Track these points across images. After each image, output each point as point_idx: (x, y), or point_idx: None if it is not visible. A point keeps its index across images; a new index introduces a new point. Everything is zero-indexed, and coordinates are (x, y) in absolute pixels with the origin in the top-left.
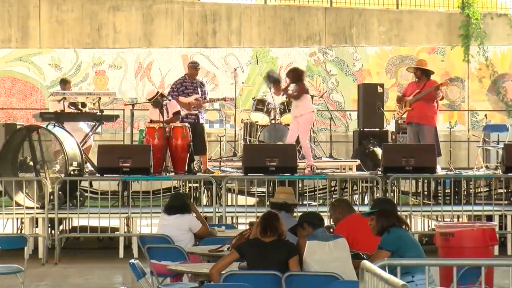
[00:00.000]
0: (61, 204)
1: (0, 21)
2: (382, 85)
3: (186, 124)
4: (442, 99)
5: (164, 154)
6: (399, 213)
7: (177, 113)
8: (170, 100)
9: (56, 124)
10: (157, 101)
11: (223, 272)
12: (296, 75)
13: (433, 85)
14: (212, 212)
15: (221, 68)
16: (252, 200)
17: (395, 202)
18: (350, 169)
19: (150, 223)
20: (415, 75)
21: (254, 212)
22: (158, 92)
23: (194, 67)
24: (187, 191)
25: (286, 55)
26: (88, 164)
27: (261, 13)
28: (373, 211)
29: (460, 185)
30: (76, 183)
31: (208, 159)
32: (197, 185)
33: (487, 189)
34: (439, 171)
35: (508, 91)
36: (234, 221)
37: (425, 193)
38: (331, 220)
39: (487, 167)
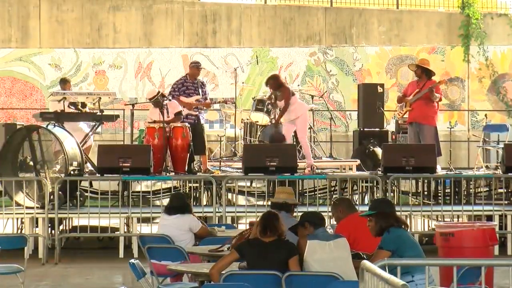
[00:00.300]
0: (61, 204)
1: (0, 21)
2: (382, 85)
3: (186, 124)
4: (440, 100)
5: (164, 154)
6: (398, 213)
7: (178, 113)
8: (170, 100)
9: (56, 124)
10: (157, 101)
11: (223, 272)
12: (276, 82)
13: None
14: (212, 212)
15: (221, 68)
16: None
17: (395, 202)
18: (350, 169)
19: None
20: (415, 73)
21: (254, 212)
22: (158, 92)
23: (196, 67)
24: (187, 191)
25: (286, 55)
26: (88, 164)
27: (261, 13)
28: (371, 213)
29: (460, 185)
30: (76, 183)
31: (208, 159)
32: (197, 185)
33: (487, 189)
34: (439, 171)
35: (508, 91)
36: (234, 221)
37: (425, 193)
38: (333, 219)
39: (487, 167)
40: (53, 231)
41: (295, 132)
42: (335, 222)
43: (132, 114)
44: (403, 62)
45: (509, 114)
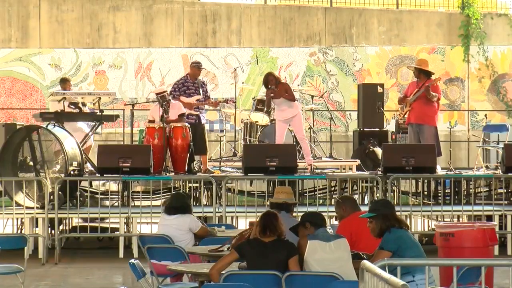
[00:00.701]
0: (61, 204)
1: (0, 21)
2: (382, 85)
3: (186, 124)
4: (439, 99)
5: (164, 154)
6: (398, 213)
7: (182, 115)
8: (170, 99)
9: (56, 124)
10: (163, 97)
11: (223, 272)
12: (276, 77)
13: (434, 85)
14: (212, 212)
15: (221, 68)
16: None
17: (395, 202)
18: (350, 169)
19: (150, 222)
20: (414, 74)
21: (254, 212)
22: (165, 91)
23: (197, 67)
24: (187, 191)
25: (286, 55)
26: (88, 164)
27: (261, 13)
28: (371, 215)
29: (460, 185)
30: (76, 183)
31: (208, 159)
32: (197, 185)
33: (487, 189)
34: (439, 171)
35: (508, 91)
36: (234, 221)
37: (425, 193)
38: (333, 219)
39: (487, 167)
40: (53, 231)
41: (293, 132)
42: (335, 222)
43: (132, 114)
44: (403, 62)
45: (509, 114)
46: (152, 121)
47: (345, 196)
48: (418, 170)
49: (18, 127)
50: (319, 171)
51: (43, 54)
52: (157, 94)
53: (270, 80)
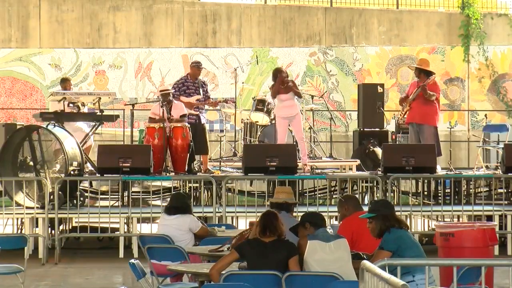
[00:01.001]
0: (61, 204)
1: (0, 21)
2: (382, 85)
3: (186, 124)
4: (437, 98)
5: (164, 154)
6: (398, 213)
7: (183, 116)
8: (171, 99)
9: (56, 124)
10: (164, 96)
11: (223, 272)
12: (287, 73)
13: (431, 84)
14: (212, 212)
15: (221, 68)
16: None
17: (395, 202)
18: (350, 169)
19: (150, 222)
20: (414, 73)
21: (254, 212)
22: (169, 90)
23: (197, 66)
24: (187, 191)
25: (286, 55)
26: (88, 164)
27: (261, 13)
28: (370, 216)
29: (460, 185)
30: (76, 183)
31: (208, 159)
32: (197, 185)
33: (487, 189)
34: (439, 171)
35: (508, 91)
36: (234, 221)
37: (425, 193)
38: (333, 219)
39: (487, 167)
40: (53, 231)
41: (292, 132)
42: (335, 222)
43: (132, 114)
44: (403, 62)
45: (509, 114)
46: (154, 119)
47: (348, 195)
48: (418, 170)
49: (18, 127)
50: (319, 171)
51: (43, 54)
52: (161, 91)
53: (286, 75)
